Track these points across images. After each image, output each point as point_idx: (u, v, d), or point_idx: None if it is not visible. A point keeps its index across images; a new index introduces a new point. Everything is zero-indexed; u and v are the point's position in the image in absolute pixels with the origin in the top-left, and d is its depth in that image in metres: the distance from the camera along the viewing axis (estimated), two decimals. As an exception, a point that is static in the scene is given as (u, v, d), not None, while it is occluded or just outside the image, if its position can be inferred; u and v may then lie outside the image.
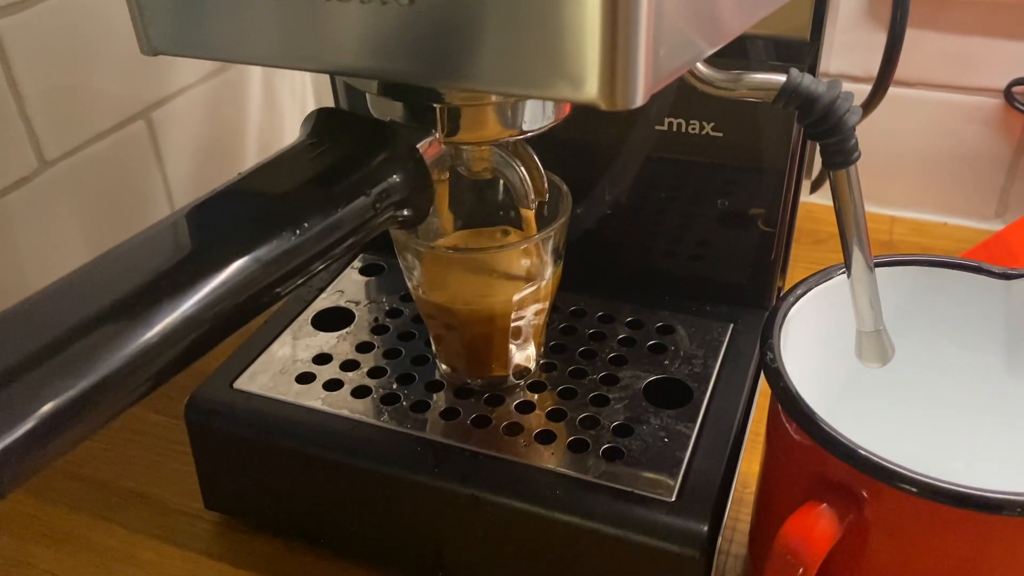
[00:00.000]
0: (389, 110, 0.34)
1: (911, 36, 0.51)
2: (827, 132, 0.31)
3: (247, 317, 0.27)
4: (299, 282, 0.29)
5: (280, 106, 0.75)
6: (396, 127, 0.33)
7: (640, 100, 0.25)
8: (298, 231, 0.27)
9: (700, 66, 0.31)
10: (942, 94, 0.66)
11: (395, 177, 0.30)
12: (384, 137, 0.31)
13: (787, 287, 0.48)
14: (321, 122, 0.32)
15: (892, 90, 0.54)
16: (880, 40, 0.52)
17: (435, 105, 0.33)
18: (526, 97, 0.33)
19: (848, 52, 0.66)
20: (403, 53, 0.27)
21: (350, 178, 0.30)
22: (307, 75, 0.78)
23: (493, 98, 0.33)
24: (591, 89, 0.25)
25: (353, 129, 0.32)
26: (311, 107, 0.79)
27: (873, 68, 0.54)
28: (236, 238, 0.27)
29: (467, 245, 0.43)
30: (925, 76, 0.66)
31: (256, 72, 0.71)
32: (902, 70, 0.53)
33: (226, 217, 0.28)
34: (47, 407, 0.21)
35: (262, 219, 0.28)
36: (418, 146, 0.31)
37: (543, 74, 0.25)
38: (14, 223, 0.53)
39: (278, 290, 0.28)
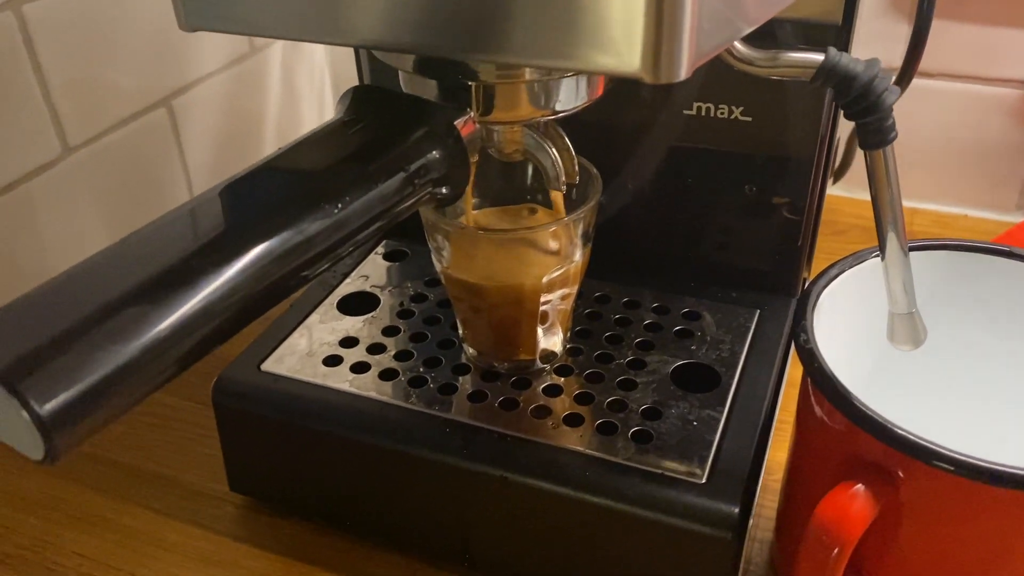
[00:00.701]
0: (423, 89, 0.34)
1: (933, 27, 0.51)
2: (865, 111, 0.31)
3: (288, 291, 0.28)
4: (328, 265, 0.29)
5: (298, 94, 0.75)
6: (433, 105, 0.33)
7: (684, 74, 0.25)
8: (340, 205, 0.27)
9: (738, 44, 0.31)
10: (964, 85, 0.66)
11: (434, 154, 0.30)
12: (422, 114, 0.31)
13: (811, 277, 0.48)
14: (358, 99, 0.32)
15: (914, 81, 0.54)
16: (902, 31, 0.52)
17: (470, 83, 0.33)
18: (567, 70, 0.32)
19: (870, 43, 0.66)
20: (441, 25, 0.27)
21: (389, 154, 0.30)
22: (325, 64, 0.78)
23: (527, 76, 0.33)
24: (634, 61, 0.25)
25: (391, 106, 0.32)
26: (329, 95, 0.79)
27: (895, 59, 0.54)
28: (277, 212, 0.27)
29: (493, 223, 0.43)
30: (947, 67, 0.65)
31: (275, 60, 0.71)
32: (924, 61, 0.53)
33: (267, 191, 0.28)
34: (100, 372, 0.21)
35: (303, 194, 0.28)
36: (455, 123, 0.31)
37: (586, 46, 0.25)
38: (37, 207, 0.54)
39: (305, 273, 0.28)
